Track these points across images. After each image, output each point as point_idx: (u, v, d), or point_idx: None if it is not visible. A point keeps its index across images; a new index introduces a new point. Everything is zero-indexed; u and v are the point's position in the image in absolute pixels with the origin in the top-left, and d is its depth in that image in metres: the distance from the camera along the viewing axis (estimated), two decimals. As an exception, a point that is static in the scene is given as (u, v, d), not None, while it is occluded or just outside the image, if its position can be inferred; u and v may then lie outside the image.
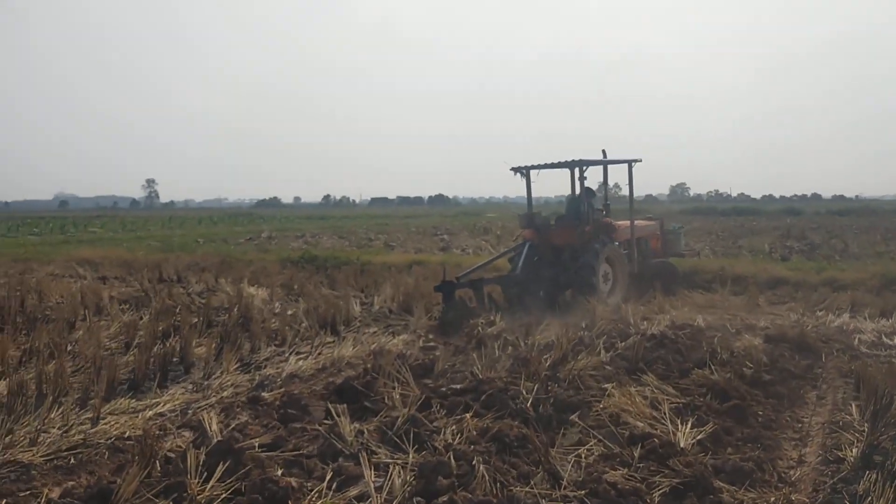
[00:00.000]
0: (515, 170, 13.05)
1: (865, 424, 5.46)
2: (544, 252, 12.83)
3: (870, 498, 4.06)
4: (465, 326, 10.13)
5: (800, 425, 6.02)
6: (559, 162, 12.71)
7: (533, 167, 12.96)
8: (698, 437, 5.19)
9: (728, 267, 16.01)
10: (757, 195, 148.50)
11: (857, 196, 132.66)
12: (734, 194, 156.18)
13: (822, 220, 44.58)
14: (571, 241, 12.58)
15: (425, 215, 74.55)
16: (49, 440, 5.21)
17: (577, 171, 12.90)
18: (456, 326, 10.32)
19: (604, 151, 12.75)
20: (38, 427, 5.38)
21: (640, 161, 13.03)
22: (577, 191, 13.08)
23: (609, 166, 13.08)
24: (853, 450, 5.02)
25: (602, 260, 12.27)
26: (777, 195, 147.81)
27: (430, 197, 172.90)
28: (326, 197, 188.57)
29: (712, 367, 7.21)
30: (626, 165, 13.07)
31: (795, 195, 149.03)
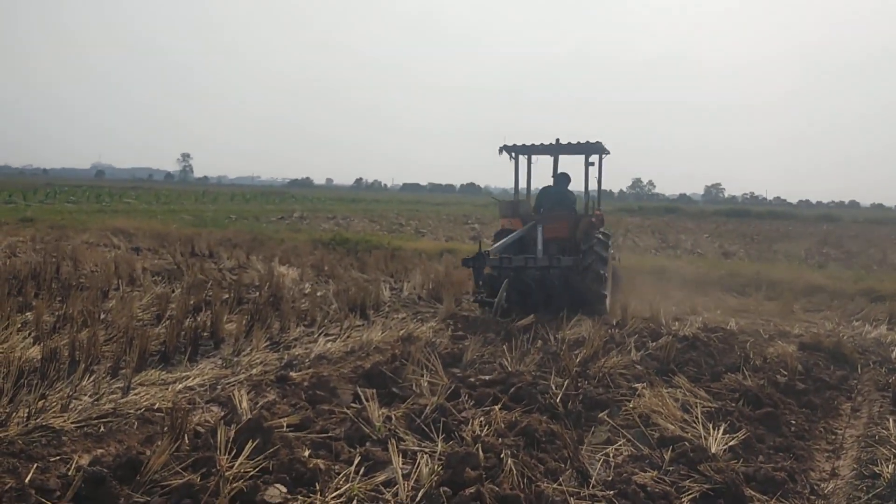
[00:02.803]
0: (504, 149, 11.54)
1: (904, 441, 5.33)
2: (528, 245, 10.94)
3: (907, 517, 3.95)
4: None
5: (833, 437, 5.89)
6: (548, 144, 11.30)
7: (523, 147, 11.54)
8: (730, 444, 5.09)
9: (763, 271, 15.77)
10: (793, 200, 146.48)
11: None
12: (770, 198, 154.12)
13: (859, 229, 43.76)
14: (563, 235, 11.21)
15: (456, 203, 74.43)
16: (80, 407, 5.26)
17: (586, 159, 11.30)
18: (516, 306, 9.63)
19: (557, 140, 11.33)
20: (70, 394, 5.44)
21: (609, 154, 11.39)
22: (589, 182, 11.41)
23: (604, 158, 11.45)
24: (889, 466, 4.89)
25: (610, 264, 10.95)
26: (814, 201, 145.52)
27: (461, 185, 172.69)
28: (358, 180, 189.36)
29: (745, 372, 7.10)
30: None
31: (833, 202, 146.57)
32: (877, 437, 5.68)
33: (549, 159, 12.10)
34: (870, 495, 4.49)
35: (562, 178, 11.96)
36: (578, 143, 11.17)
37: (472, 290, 10.73)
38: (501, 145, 11.52)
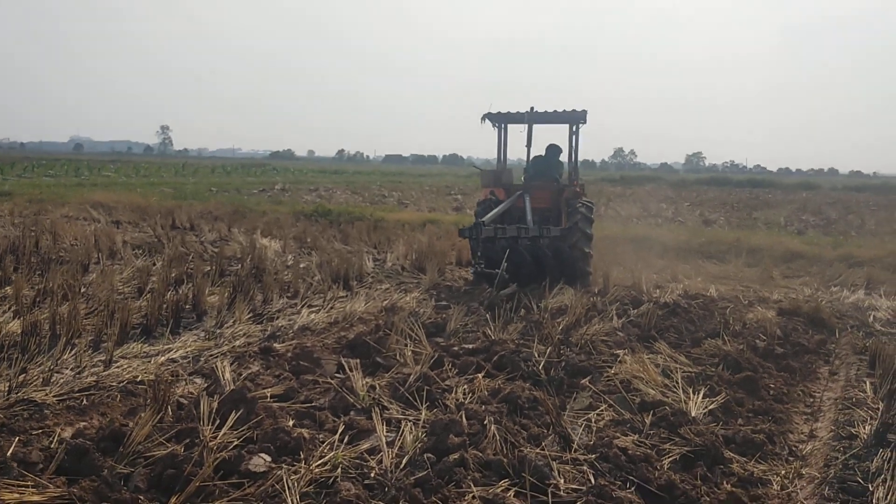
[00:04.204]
0: (488, 117, 11.40)
1: (880, 402, 5.43)
2: (511, 215, 10.90)
3: (882, 476, 4.03)
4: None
5: (812, 400, 5.99)
6: (526, 112, 11.10)
7: (506, 116, 11.36)
8: (710, 407, 5.17)
9: (743, 238, 15.89)
10: (773, 167, 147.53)
11: (874, 173, 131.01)
12: (750, 166, 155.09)
13: (838, 196, 44.13)
14: (545, 205, 11.15)
15: (439, 174, 74.19)
16: (62, 380, 5.24)
17: (570, 127, 11.36)
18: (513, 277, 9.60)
19: (531, 107, 11.19)
20: (52, 367, 5.41)
21: (585, 123, 11.28)
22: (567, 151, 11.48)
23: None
24: (866, 427, 4.99)
25: (592, 234, 10.75)
26: (793, 168, 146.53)
27: (444, 156, 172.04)
28: (340, 151, 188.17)
29: (725, 337, 7.18)
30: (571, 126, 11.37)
31: (812, 169, 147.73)
32: (854, 400, 5.78)
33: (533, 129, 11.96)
34: (846, 456, 4.58)
35: (553, 149, 11.93)
36: (564, 111, 11.12)
37: (474, 261, 10.51)
38: (484, 114, 11.42)
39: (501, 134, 11.71)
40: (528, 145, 11.39)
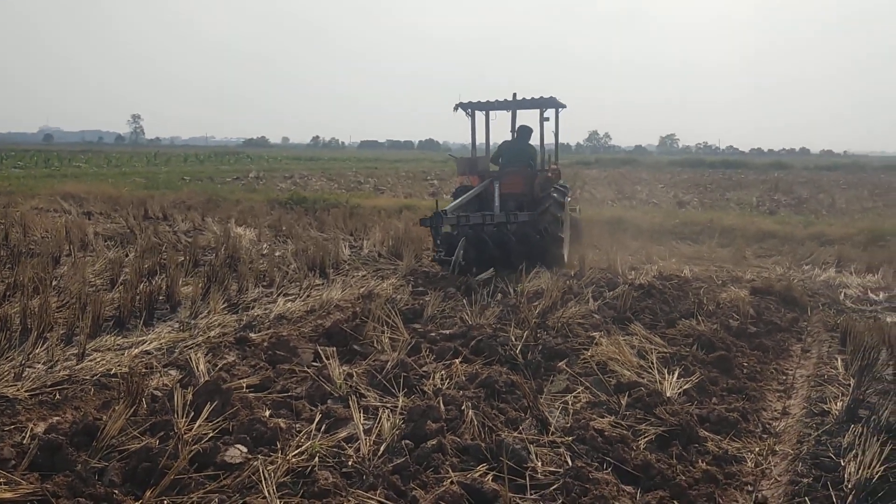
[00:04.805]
0: (460, 106, 11.46)
1: (851, 379, 5.52)
2: (486, 201, 10.92)
3: (854, 451, 4.10)
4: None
5: (784, 377, 6.07)
6: (503, 101, 11.28)
7: (479, 104, 11.47)
8: (684, 387, 5.22)
9: (716, 219, 16.04)
10: (745, 148, 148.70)
11: (844, 152, 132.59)
12: (723, 147, 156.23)
13: (809, 175, 44.62)
14: (519, 191, 11.13)
15: (415, 159, 73.89)
16: (34, 375, 5.16)
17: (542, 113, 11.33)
18: (475, 263, 9.79)
19: (514, 94, 11.37)
20: (23, 362, 5.33)
21: (564, 107, 11.49)
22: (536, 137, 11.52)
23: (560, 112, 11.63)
24: (838, 403, 5.07)
25: (567, 211, 10.96)
26: (765, 149, 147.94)
27: (420, 141, 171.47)
28: (315, 138, 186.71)
29: (699, 317, 7.25)
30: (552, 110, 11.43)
31: (784, 149, 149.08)
32: (826, 377, 5.87)
33: (507, 116, 12.06)
34: (819, 432, 4.65)
35: (523, 132, 11.86)
36: (534, 98, 11.15)
37: (432, 248, 10.75)
38: (457, 103, 11.43)
39: (473, 122, 11.68)
40: (513, 130, 11.46)
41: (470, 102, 11.46)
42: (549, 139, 11.51)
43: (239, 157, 69.21)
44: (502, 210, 10.45)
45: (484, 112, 11.84)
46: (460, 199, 10.52)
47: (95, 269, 9.31)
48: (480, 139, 11.92)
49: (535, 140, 11.88)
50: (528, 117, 14.01)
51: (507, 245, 10.04)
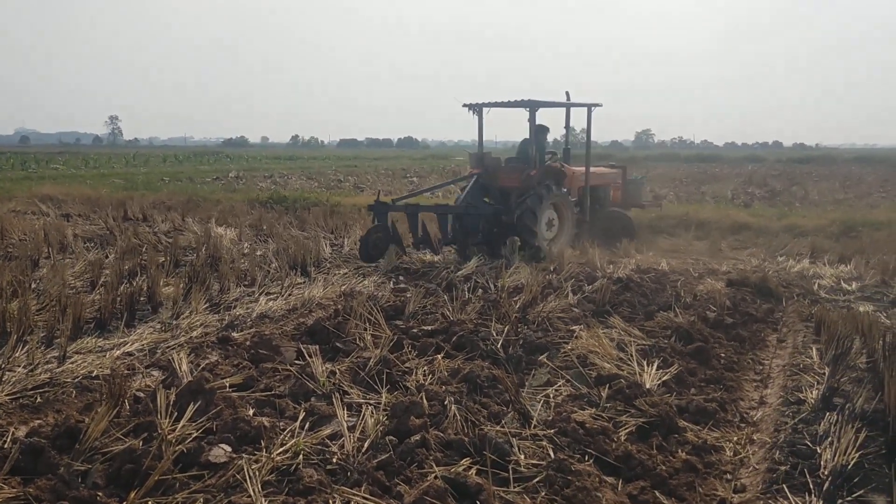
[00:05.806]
0: (468, 106, 12.33)
1: (825, 368, 5.61)
2: (492, 193, 12.29)
3: (829, 438, 4.18)
4: (389, 252, 10.84)
5: (761, 367, 6.17)
6: (514, 101, 11.92)
7: (486, 104, 12.24)
8: (663, 379, 5.29)
9: (692, 213, 16.18)
10: (720, 143, 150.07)
11: (816, 145, 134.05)
12: (698, 141, 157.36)
13: (782, 168, 45.12)
14: (517, 185, 11.91)
15: (394, 157, 73.81)
16: (14, 379, 5.13)
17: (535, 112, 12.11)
18: (381, 249, 11.01)
19: (567, 94, 12.27)
20: (3, 365, 5.30)
21: (601, 105, 12.45)
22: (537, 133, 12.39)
23: (571, 110, 12.65)
24: (813, 392, 5.16)
25: (547, 206, 11.54)
26: (739, 143, 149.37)
27: (399, 139, 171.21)
28: (295, 137, 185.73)
29: (676, 309, 7.34)
30: (584, 110, 12.45)
31: (757, 143, 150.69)
32: (801, 366, 5.97)
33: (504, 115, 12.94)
34: (795, 420, 4.74)
35: (540, 130, 12.47)
36: (522, 100, 11.82)
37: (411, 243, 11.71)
38: (463, 103, 12.42)
39: (481, 121, 12.46)
40: (532, 129, 12.17)
41: (475, 103, 12.31)
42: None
43: (218, 158, 68.70)
44: (467, 200, 11.73)
45: (482, 110, 12.53)
46: (404, 197, 12.47)
47: (75, 270, 9.25)
48: (501, 137, 12.91)
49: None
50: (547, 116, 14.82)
51: (469, 232, 11.28)
